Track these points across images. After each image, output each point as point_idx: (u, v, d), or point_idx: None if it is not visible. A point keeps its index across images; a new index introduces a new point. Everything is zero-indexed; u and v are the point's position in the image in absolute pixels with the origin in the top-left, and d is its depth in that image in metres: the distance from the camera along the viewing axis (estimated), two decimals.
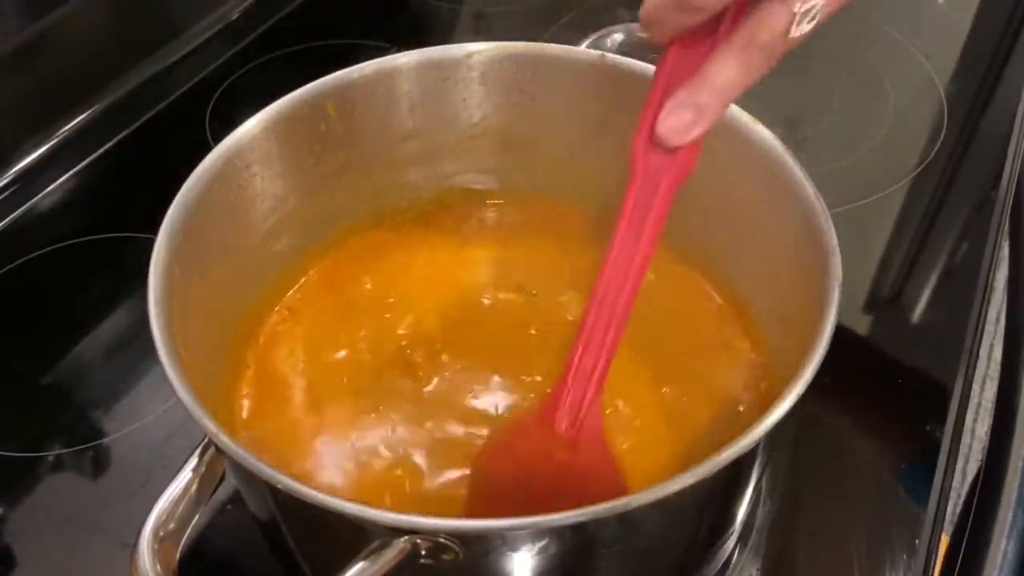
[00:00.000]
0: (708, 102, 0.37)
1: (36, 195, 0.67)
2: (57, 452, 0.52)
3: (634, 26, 0.59)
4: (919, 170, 0.67)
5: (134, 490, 0.49)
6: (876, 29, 0.81)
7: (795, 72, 0.77)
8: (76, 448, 0.52)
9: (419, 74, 0.50)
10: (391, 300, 0.52)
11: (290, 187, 0.49)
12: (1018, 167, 0.69)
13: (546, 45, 0.51)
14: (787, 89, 0.76)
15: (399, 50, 0.50)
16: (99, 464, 0.52)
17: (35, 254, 0.63)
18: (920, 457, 0.50)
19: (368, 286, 0.53)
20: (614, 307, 0.40)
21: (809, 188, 0.42)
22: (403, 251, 0.55)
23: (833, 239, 0.40)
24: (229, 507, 0.46)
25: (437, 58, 0.50)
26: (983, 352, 0.58)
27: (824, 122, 0.72)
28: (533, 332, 0.51)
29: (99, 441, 0.52)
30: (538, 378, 0.48)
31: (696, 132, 0.38)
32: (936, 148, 0.69)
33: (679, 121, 0.37)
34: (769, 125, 0.45)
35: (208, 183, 0.44)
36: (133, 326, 0.58)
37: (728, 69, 0.37)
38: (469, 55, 0.50)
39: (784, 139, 0.45)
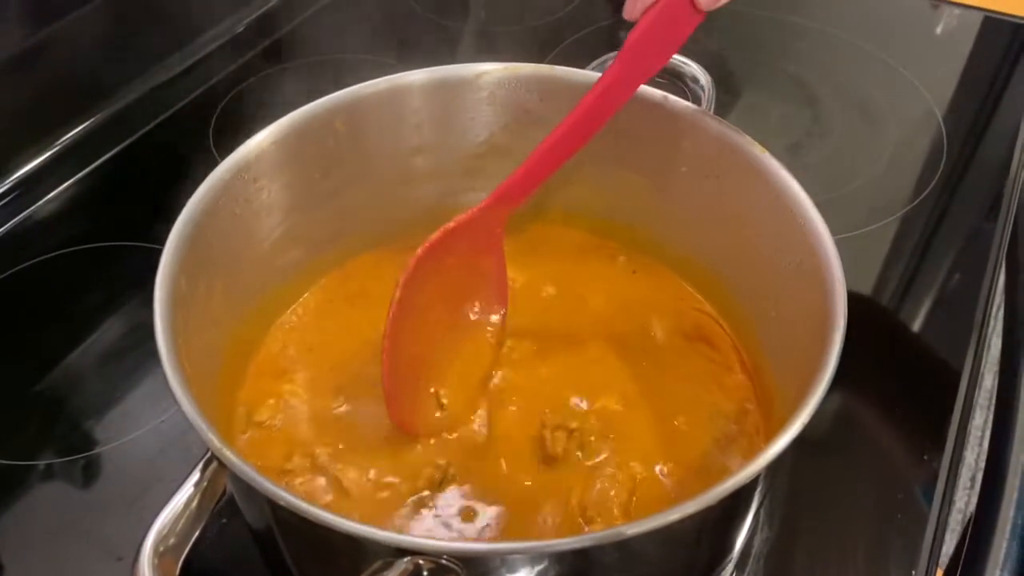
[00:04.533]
0: None
1: (36, 202, 0.67)
2: (49, 461, 0.51)
3: None
4: (918, 200, 0.68)
5: (127, 502, 0.49)
6: (877, 60, 0.82)
7: (797, 101, 0.78)
8: (69, 458, 0.51)
9: (429, 92, 0.51)
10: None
11: (297, 201, 0.49)
12: (1016, 197, 0.69)
13: (554, 67, 0.52)
14: (789, 117, 0.76)
15: (403, 67, 0.51)
16: (91, 475, 0.51)
17: (33, 261, 0.62)
18: (917, 486, 0.50)
19: (372, 301, 0.53)
20: (557, 153, 0.46)
21: (816, 216, 0.42)
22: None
23: (838, 270, 0.40)
24: (224, 521, 0.46)
25: (447, 77, 0.51)
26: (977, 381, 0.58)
27: (825, 150, 0.73)
28: (534, 347, 0.51)
29: (92, 451, 0.52)
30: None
31: (639, 7, 0.42)
32: (935, 178, 0.69)
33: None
34: (771, 151, 0.46)
35: (216, 195, 0.44)
36: (129, 335, 0.58)
37: None
38: (479, 75, 0.51)
39: (785, 166, 0.45)
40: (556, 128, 0.45)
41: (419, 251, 0.45)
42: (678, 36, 0.44)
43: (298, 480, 0.44)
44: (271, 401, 0.48)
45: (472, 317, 0.50)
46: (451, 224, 0.46)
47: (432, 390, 0.47)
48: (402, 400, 0.45)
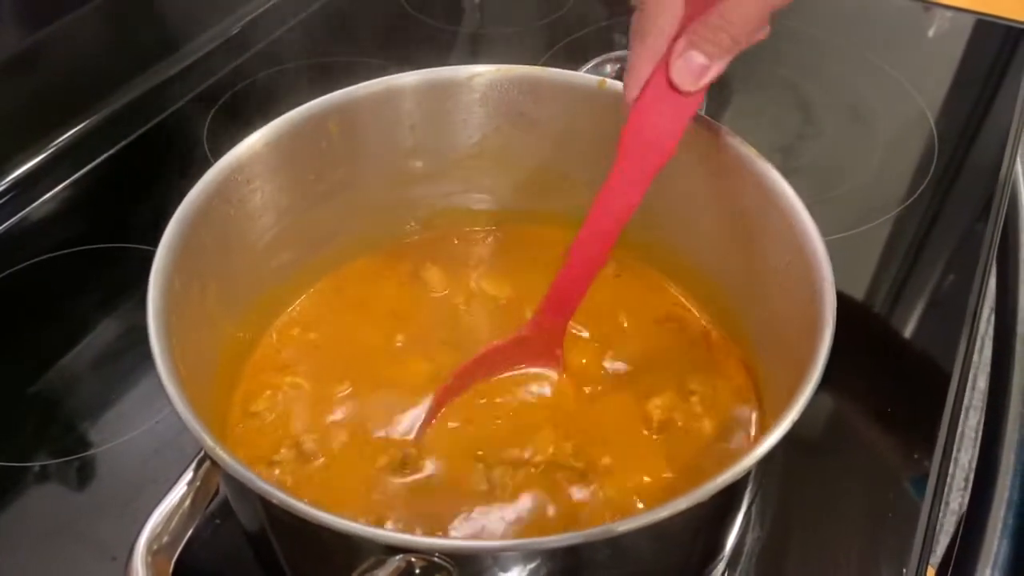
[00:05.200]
0: (724, 40, 0.38)
1: (31, 204, 0.67)
2: (43, 463, 0.51)
3: None
4: (909, 201, 0.68)
5: (121, 503, 0.49)
6: (869, 63, 0.82)
7: (790, 103, 0.78)
8: (63, 459, 0.51)
9: (422, 94, 0.51)
10: (389, 317, 0.52)
11: (290, 203, 0.49)
12: (1007, 200, 0.70)
13: (547, 69, 0.52)
14: (781, 119, 0.77)
15: (397, 69, 0.51)
16: (86, 476, 0.51)
17: (29, 263, 0.62)
18: (908, 485, 0.51)
19: (366, 303, 0.53)
20: (590, 261, 0.45)
21: (805, 217, 0.43)
22: (401, 268, 0.55)
23: (827, 269, 0.40)
24: (218, 522, 0.46)
25: (440, 79, 0.51)
26: (968, 382, 0.59)
27: (817, 152, 0.73)
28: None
29: (86, 453, 0.52)
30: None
31: (712, 74, 0.39)
32: (926, 180, 0.70)
33: (692, 63, 0.39)
34: (762, 153, 0.46)
35: (209, 197, 0.44)
36: (124, 337, 0.58)
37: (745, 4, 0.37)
38: (471, 77, 0.51)
39: (777, 168, 0.45)
40: (580, 230, 0.44)
41: (458, 368, 0.46)
42: (676, 122, 0.41)
43: (281, 472, 0.44)
44: (267, 400, 0.48)
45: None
46: (497, 343, 0.47)
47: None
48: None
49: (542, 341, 0.48)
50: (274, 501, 0.32)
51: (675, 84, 0.39)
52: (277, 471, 0.45)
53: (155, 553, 0.33)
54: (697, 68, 0.39)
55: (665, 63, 0.40)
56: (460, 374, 0.47)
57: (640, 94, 0.41)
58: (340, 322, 0.52)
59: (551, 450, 0.45)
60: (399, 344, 0.51)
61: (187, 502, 0.34)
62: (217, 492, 0.37)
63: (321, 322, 0.52)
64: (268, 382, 0.49)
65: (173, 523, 0.34)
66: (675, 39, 0.39)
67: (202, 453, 0.36)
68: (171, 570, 0.33)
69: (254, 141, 0.46)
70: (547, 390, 0.49)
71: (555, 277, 0.46)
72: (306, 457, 0.45)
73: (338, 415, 0.47)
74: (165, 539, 0.33)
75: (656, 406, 0.47)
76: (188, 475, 0.35)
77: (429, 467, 0.45)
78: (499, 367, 0.48)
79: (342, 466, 0.45)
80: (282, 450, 0.46)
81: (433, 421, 0.47)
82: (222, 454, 0.33)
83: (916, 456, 0.52)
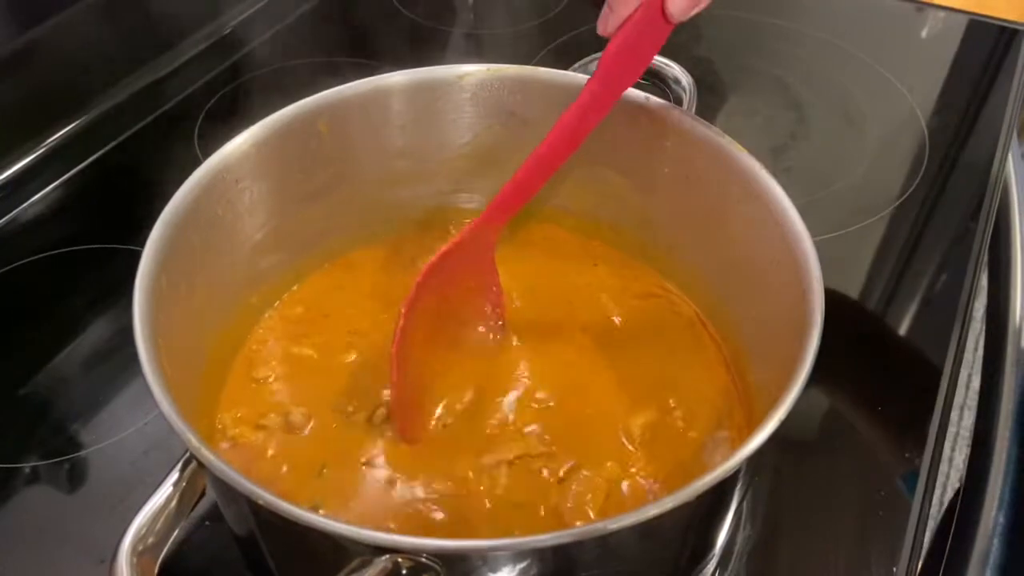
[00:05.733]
0: None
1: (21, 204, 0.67)
2: (33, 464, 0.51)
3: None
4: (900, 200, 0.68)
5: (111, 504, 0.49)
6: (861, 63, 0.82)
7: (782, 103, 0.79)
8: (53, 460, 0.51)
9: (411, 93, 0.51)
10: (378, 317, 0.52)
11: (279, 203, 0.49)
12: (998, 199, 0.70)
13: (537, 69, 0.52)
14: (773, 120, 0.77)
15: (389, 69, 0.51)
16: (76, 477, 0.51)
17: (18, 264, 0.62)
18: (899, 484, 0.51)
19: (355, 303, 0.53)
20: (540, 171, 0.47)
21: (794, 214, 0.43)
22: (391, 269, 0.55)
23: (816, 267, 0.40)
24: (207, 523, 0.46)
25: (429, 78, 0.51)
26: (961, 381, 0.59)
27: (809, 152, 0.73)
28: (515, 343, 0.51)
29: (76, 454, 0.52)
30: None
31: (612, 23, 0.43)
32: (917, 179, 0.70)
33: (601, 14, 0.43)
34: (755, 153, 0.46)
35: (197, 196, 0.44)
36: (114, 338, 0.58)
37: None
38: (461, 76, 0.51)
39: (769, 167, 0.45)
40: (540, 145, 0.46)
41: (419, 277, 0.46)
42: (652, 47, 0.45)
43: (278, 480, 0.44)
44: (255, 401, 0.48)
45: (471, 331, 0.51)
46: (446, 246, 0.47)
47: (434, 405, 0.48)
48: (406, 414, 0.46)
49: (476, 247, 0.49)
50: (260, 502, 0.32)
51: (669, 14, 0.42)
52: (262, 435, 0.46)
53: (140, 554, 0.32)
54: (693, 3, 0.42)
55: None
56: (420, 284, 0.47)
57: (625, 23, 0.43)
58: (329, 321, 0.52)
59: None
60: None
61: (173, 503, 0.34)
62: (204, 493, 0.36)
63: (310, 321, 0.52)
64: (254, 383, 0.49)
65: (159, 524, 0.34)
66: None
67: (188, 453, 0.36)
68: (157, 571, 0.33)
69: (243, 141, 0.46)
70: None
71: (506, 184, 0.47)
72: (291, 427, 0.46)
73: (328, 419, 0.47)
74: (150, 540, 0.33)
75: (638, 424, 0.47)
76: (174, 476, 0.35)
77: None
78: (448, 278, 0.48)
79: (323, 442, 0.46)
80: (271, 415, 0.46)
81: (398, 343, 0.46)
82: (208, 455, 0.33)
83: (907, 455, 0.52)
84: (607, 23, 0.44)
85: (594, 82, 0.45)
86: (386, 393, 0.47)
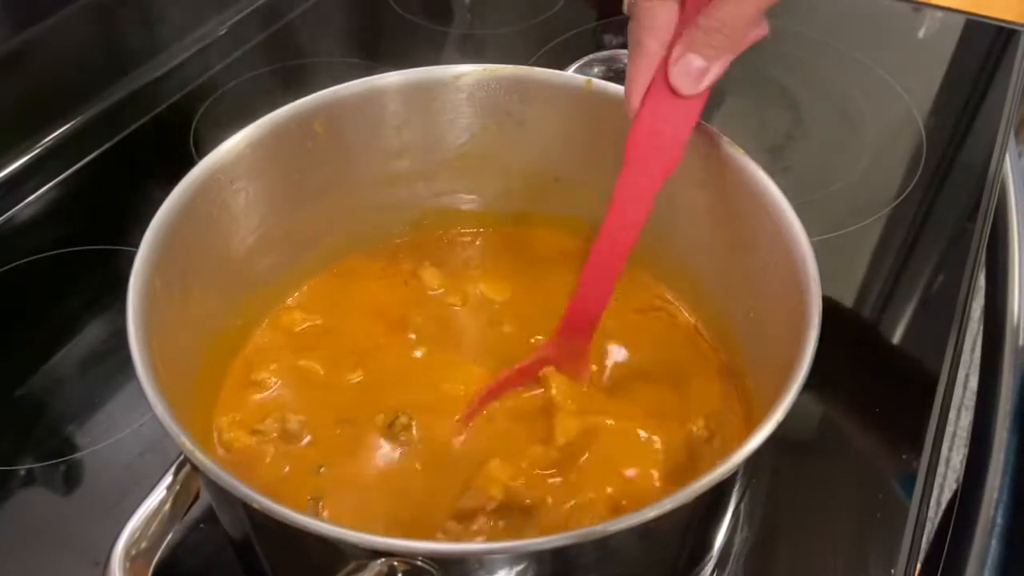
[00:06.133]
0: (720, 41, 0.38)
1: (16, 205, 0.67)
2: (28, 466, 0.51)
3: (620, 52, 0.60)
4: (898, 201, 0.68)
5: (106, 507, 0.49)
6: (858, 63, 0.82)
7: (779, 104, 0.78)
8: (48, 463, 0.51)
9: (407, 94, 0.51)
10: (375, 319, 0.52)
11: (275, 204, 0.49)
12: (995, 199, 0.70)
13: (534, 69, 0.52)
14: (771, 120, 0.77)
15: (385, 70, 0.51)
16: (71, 479, 0.51)
17: (13, 264, 0.62)
18: (897, 485, 0.50)
19: (351, 305, 0.53)
20: (606, 272, 0.45)
21: (791, 215, 0.42)
22: (387, 270, 0.55)
23: (813, 269, 0.40)
24: (202, 526, 0.46)
25: (426, 79, 0.51)
26: (958, 381, 0.59)
27: (806, 153, 0.73)
28: (507, 329, 0.52)
29: (72, 456, 0.51)
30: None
31: (712, 76, 0.39)
32: (915, 180, 0.70)
33: (691, 67, 0.39)
34: (752, 153, 0.46)
35: (192, 197, 0.44)
36: (110, 339, 0.58)
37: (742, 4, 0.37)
38: (457, 76, 0.51)
39: (766, 168, 0.45)
40: (587, 262, 0.44)
41: (483, 392, 0.47)
42: (681, 126, 0.41)
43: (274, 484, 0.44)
44: (250, 404, 0.47)
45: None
46: (518, 365, 0.47)
47: None
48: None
49: (567, 359, 0.48)
50: (255, 506, 0.32)
51: (675, 89, 0.39)
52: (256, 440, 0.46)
53: (133, 559, 0.32)
54: (696, 71, 0.39)
55: (664, 69, 0.39)
56: (484, 397, 0.47)
57: (643, 102, 0.40)
58: (327, 324, 0.52)
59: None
60: (403, 340, 0.51)
61: (167, 506, 0.34)
62: (198, 496, 0.36)
63: (308, 323, 0.52)
64: (248, 389, 0.48)
65: (152, 528, 0.34)
66: (672, 44, 0.39)
67: (182, 456, 0.35)
68: (150, 574, 0.33)
69: (237, 141, 0.46)
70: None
71: (571, 298, 0.45)
72: (289, 436, 0.46)
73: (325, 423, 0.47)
74: (144, 544, 0.33)
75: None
76: (168, 479, 0.35)
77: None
78: (522, 383, 0.48)
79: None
80: (267, 420, 0.46)
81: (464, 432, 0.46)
82: (201, 457, 0.33)
83: (904, 456, 0.51)
84: (630, 97, 0.41)
85: (628, 170, 0.42)
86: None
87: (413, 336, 0.51)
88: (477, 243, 0.57)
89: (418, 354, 0.50)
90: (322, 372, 0.49)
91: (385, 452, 0.45)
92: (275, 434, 0.46)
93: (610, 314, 0.52)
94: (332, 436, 0.46)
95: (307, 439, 0.46)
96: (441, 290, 0.54)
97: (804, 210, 0.43)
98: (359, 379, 0.49)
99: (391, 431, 0.46)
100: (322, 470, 0.45)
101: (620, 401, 0.48)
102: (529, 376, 0.48)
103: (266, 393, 0.48)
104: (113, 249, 0.63)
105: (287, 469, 0.45)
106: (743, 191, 0.45)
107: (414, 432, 0.46)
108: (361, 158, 0.52)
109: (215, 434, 0.46)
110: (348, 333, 0.51)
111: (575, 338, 0.47)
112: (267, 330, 0.51)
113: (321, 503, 0.43)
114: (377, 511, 0.43)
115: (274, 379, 0.49)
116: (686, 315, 0.53)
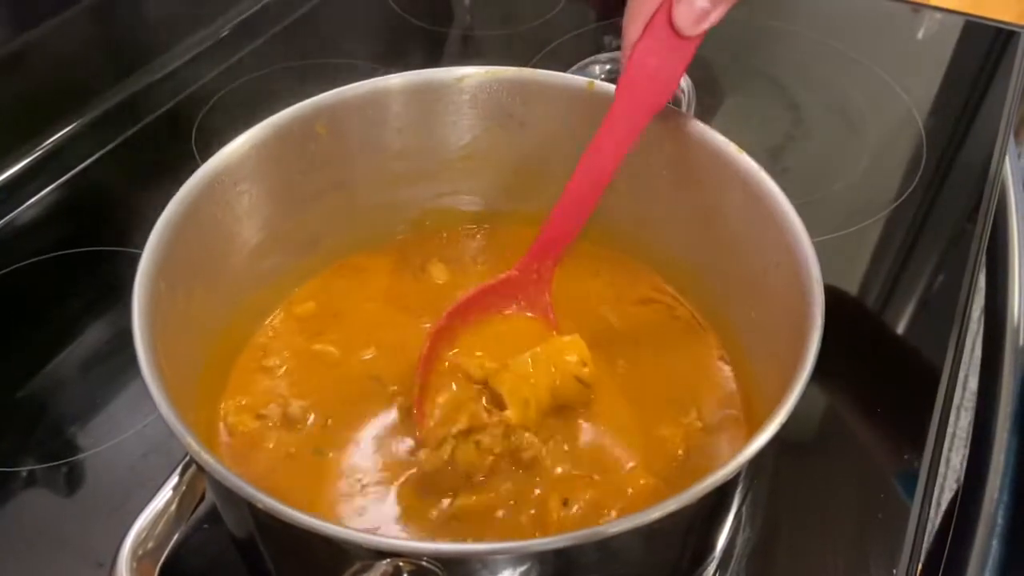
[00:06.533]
0: None
1: (18, 207, 0.67)
2: (31, 468, 0.51)
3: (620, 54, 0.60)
4: (898, 202, 0.68)
5: (110, 508, 0.49)
6: (858, 64, 0.82)
7: (779, 104, 0.79)
8: (50, 464, 0.51)
9: (410, 96, 0.51)
10: (378, 319, 0.52)
11: (278, 205, 0.49)
12: (995, 200, 0.70)
13: (535, 71, 0.52)
14: (771, 120, 0.77)
15: (387, 71, 0.51)
16: (74, 481, 0.51)
17: (15, 266, 0.62)
18: (898, 485, 0.51)
19: (354, 305, 0.53)
20: (582, 202, 0.46)
21: (794, 217, 0.43)
22: (390, 270, 0.55)
23: (816, 269, 0.40)
24: (205, 526, 0.46)
25: (428, 80, 0.51)
26: (958, 382, 0.59)
27: (806, 153, 0.74)
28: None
29: (74, 457, 0.51)
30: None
31: (713, 19, 0.41)
32: (915, 181, 0.70)
33: (695, 7, 0.40)
34: (752, 154, 0.46)
35: (195, 199, 0.44)
36: (112, 340, 0.58)
37: None
38: (460, 79, 0.51)
39: (766, 169, 0.45)
40: (573, 175, 0.46)
41: (452, 307, 0.47)
42: (678, 62, 0.43)
43: (279, 484, 0.44)
44: (255, 404, 0.48)
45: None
46: (488, 283, 0.48)
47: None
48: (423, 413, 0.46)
49: (530, 285, 0.49)
50: (260, 506, 0.32)
51: (677, 28, 0.41)
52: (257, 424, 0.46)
53: (140, 559, 0.32)
54: (699, 12, 0.40)
55: (667, 7, 0.41)
56: (451, 313, 0.47)
57: (641, 36, 0.42)
58: (329, 323, 0.52)
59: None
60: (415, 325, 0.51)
61: (173, 507, 0.34)
62: (204, 497, 0.36)
63: (309, 324, 0.52)
64: (255, 386, 0.49)
65: (159, 528, 0.34)
66: None
67: (188, 457, 0.35)
68: (156, 575, 0.33)
69: (241, 143, 0.46)
70: None
71: (546, 219, 0.47)
72: (290, 421, 0.46)
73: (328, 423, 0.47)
74: (150, 544, 0.33)
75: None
76: (174, 479, 0.35)
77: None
78: (488, 308, 0.49)
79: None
80: (271, 405, 0.47)
81: (427, 365, 0.47)
82: (207, 457, 0.33)
83: (906, 456, 0.52)
84: (629, 30, 0.43)
85: (620, 91, 0.44)
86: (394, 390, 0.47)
87: (426, 324, 0.51)
88: (477, 242, 0.57)
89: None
90: (336, 353, 0.50)
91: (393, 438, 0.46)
92: (278, 419, 0.47)
93: (610, 306, 0.52)
94: (338, 419, 0.47)
95: (310, 421, 0.46)
96: (440, 281, 0.55)
97: (804, 211, 0.43)
98: (371, 356, 0.50)
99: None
100: (331, 455, 0.45)
101: (617, 393, 0.48)
102: (496, 296, 0.49)
103: (272, 378, 0.48)
104: (115, 251, 0.63)
105: (292, 450, 0.45)
106: (745, 192, 0.45)
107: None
108: (363, 159, 0.52)
109: (221, 419, 0.47)
110: (363, 319, 0.52)
111: (541, 263, 0.49)
112: (277, 321, 0.52)
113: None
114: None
115: (281, 365, 0.49)
116: (687, 309, 0.53)
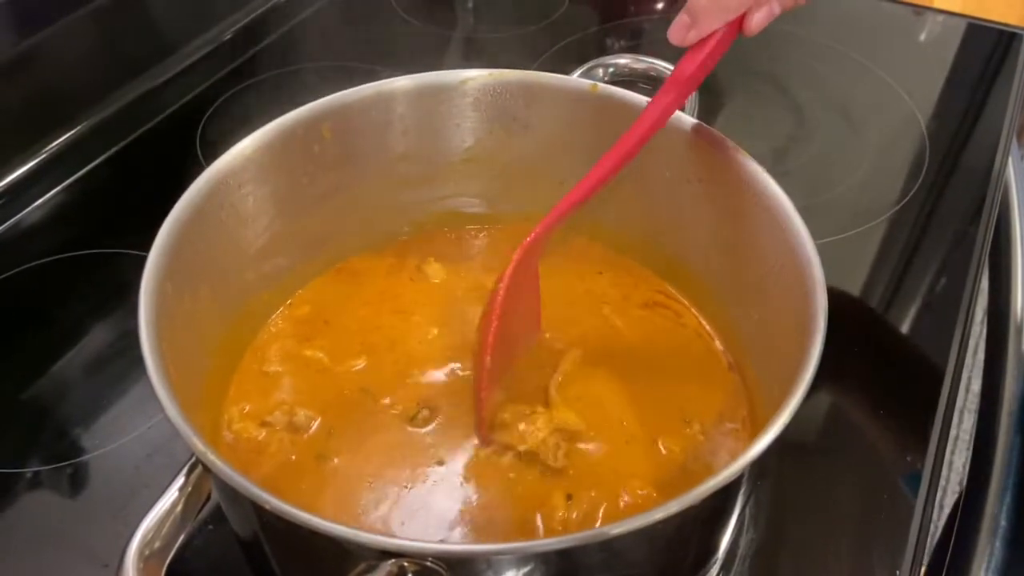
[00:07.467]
0: (704, 8, 0.43)
1: (23, 209, 0.67)
2: (36, 469, 0.51)
3: (624, 57, 0.60)
4: (901, 204, 0.68)
5: (114, 509, 0.49)
6: (860, 66, 0.83)
7: (782, 106, 0.79)
8: (55, 465, 0.51)
9: (414, 98, 0.51)
10: (382, 321, 0.52)
11: (283, 207, 0.49)
12: (998, 202, 0.70)
13: (539, 73, 0.52)
14: (773, 122, 0.77)
15: (390, 74, 0.51)
16: (79, 482, 0.51)
17: (20, 268, 0.62)
18: (901, 487, 0.51)
19: (359, 307, 0.53)
20: (603, 175, 0.46)
21: (797, 219, 0.43)
22: (394, 272, 0.55)
23: (819, 272, 0.40)
24: (210, 526, 0.46)
25: (432, 83, 0.51)
26: (961, 384, 0.59)
27: (808, 155, 0.74)
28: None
29: (79, 458, 0.52)
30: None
31: (692, 36, 0.43)
32: (918, 183, 0.70)
33: (679, 23, 0.44)
34: (755, 156, 0.46)
35: (201, 202, 0.44)
36: (116, 342, 0.58)
37: None
38: (464, 81, 0.51)
39: (769, 171, 0.45)
40: (607, 153, 0.46)
41: (502, 283, 0.47)
42: (717, 59, 0.45)
43: (285, 485, 0.44)
44: (259, 405, 0.48)
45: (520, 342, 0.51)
46: (518, 254, 0.47)
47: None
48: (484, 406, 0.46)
49: (532, 257, 0.49)
50: (266, 507, 0.32)
51: (748, 30, 0.44)
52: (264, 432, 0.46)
53: (146, 559, 0.32)
54: (769, 16, 0.44)
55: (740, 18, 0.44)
56: (505, 283, 0.46)
57: (709, 38, 0.44)
58: (333, 324, 0.52)
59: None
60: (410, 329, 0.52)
61: (179, 507, 0.34)
62: (209, 498, 0.36)
63: (314, 324, 0.52)
64: (262, 387, 0.49)
65: (165, 529, 0.34)
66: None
67: (194, 458, 0.36)
68: (163, 575, 0.33)
69: (246, 146, 0.46)
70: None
71: (570, 193, 0.47)
72: (295, 428, 0.46)
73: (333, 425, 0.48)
74: (156, 545, 0.33)
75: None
76: (180, 480, 0.35)
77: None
78: (530, 270, 0.49)
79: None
80: (276, 413, 0.47)
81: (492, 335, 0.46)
82: (214, 459, 0.33)
83: (909, 458, 0.52)
84: (685, 35, 0.44)
85: (669, 96, 0.45)
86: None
87: (419, 322, 0.52)
88: (480, 244, 0.58)
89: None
90: (329, 361, 0.50)
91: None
92: (283, 426, 0.47)
93: (616, 310, 0.52)
94: (340, 424, 0.47)
95: (314, 427, 0.47)
96: (442, 280, 0.55)
97: (806, 213, 0.43)
98: (364, 365, 0.50)
99: (413, 423, 0.47)
100: (336, 460, 0.45)
101: (621, 395, 0.48)
102: (533, 257, 0.48)
103: (275, 383, 0.49)
104: (120, 253, 0.63)
105: (293, 458, 0.46)
106: (747, 194, 0.45)
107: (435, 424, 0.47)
108: (368, 162, 0.52)
109: (225, 424, 0.47)
110: (355, 324, 0.52)
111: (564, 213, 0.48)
112: (277, 324, 0.52)
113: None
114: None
115: (282, 370, 0.49)
116: (692, 313, 0.53)
